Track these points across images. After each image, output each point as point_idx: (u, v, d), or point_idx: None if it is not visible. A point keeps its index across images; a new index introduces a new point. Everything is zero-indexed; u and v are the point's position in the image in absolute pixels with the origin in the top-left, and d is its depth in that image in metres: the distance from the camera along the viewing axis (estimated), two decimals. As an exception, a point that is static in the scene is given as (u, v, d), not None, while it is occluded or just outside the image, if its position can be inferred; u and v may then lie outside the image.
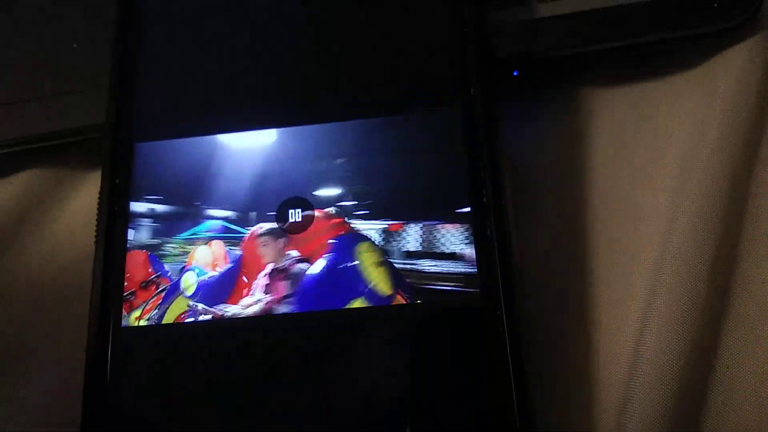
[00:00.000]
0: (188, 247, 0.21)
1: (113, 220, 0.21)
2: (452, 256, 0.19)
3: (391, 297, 0.19)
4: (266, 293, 0.20)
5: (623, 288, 0.22)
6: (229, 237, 0.20)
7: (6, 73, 0.27)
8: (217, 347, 0.19)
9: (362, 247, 0.20)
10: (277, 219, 0.20)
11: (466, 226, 0.19)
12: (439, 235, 0.20)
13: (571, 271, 0.23)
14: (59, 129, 0.26)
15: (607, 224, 0.23)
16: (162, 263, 0.20)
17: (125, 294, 0.20)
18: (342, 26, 0.22)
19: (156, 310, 0.20)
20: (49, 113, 0.26)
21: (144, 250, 0.20)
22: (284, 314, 0.19)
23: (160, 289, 0.20)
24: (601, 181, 0.24)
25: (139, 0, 0.23)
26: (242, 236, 0.20)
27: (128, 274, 0.20)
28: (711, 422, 0.21)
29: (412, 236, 0.20)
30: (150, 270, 0.20)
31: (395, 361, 0.19)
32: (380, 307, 0.19)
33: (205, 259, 0.20)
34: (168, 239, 0.21)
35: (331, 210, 0.20)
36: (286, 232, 0.20)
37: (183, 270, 0.20)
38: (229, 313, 0.20)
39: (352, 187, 0.20)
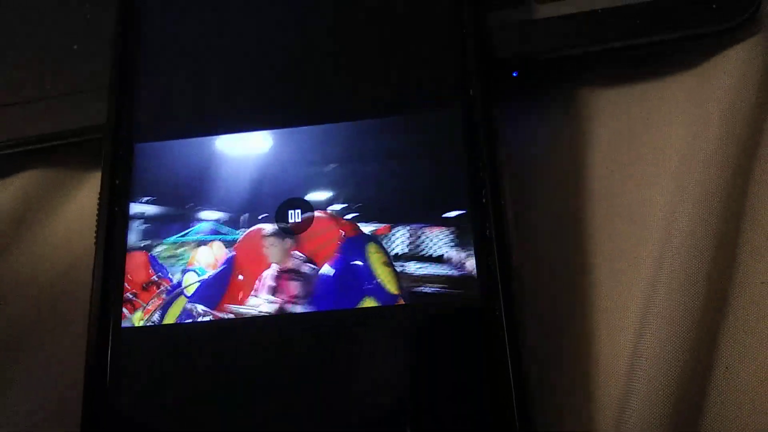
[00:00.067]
0: (184, 247, 0.21)
1: (113, 220, 0.21)
2: (451, 257, 0.19)
3: (396, 297, 0.19)
4: (273, 293, 0.20)
5: (623, 288, 0.22)
6: (220, 238, 0.20)
7: (6, 74, 0.27)
8: (221, 347, 0.19)
9: (371, 248, 0.20)
10: (277, 219, 0.20)
11: (466, 226, 0.19)
12: (438, 237, 0.20)
13: (570, 271, 0.23)
14: (59, 130, 0.26)
15: (607, 224, 0.23)
16: (162, 264, 0.20)
17: (127, 295, 0.20)
18: (341, 27, 0.22)
19: (159, 311, 0.20)
20: (49, 114, 0.26)
21: (144, 251, 0.20)
22: (298, 314, 0.19)
23: (161, 290, 0.20)
24: (600, 182, 0.24)
25: (139, 1, 0.23)
26: (235, 238, 0.20)
27: (129, 276, 0.20)
28: (710, 423, 0.21)
29: (412, 237, 0.20)
30: (150, 271, 0.20)
31: (394, 361, 0.19)
32: (388, 306, 0.19)
33: (206, 259, 0.20)
34: (164, 239, 0.21)
35: (334, 211, 0.20)
36: (292, 233, 0.20)
37: (185, 271, 0.20)
38: (232, 315, 0.20)
39: (352, 188, 0.20)
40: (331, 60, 0.22)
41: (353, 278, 0.19)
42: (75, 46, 0.27)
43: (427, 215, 0.20)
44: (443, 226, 0.20)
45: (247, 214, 0.20)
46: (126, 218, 0.21)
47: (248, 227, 0.20)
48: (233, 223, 0.20)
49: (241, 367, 0.19)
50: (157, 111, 0.22)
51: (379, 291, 0.19)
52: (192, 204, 0.21)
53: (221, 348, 0.19)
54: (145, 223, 0.21)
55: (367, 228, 0.20)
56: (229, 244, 0.20)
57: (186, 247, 0.21)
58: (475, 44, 0.21)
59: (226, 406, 0.19)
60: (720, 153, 0.22)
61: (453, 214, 0.20)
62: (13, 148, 0.26)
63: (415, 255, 0.20)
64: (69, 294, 0.25)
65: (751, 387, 0.21)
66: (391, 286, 0.19)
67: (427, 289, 0.19)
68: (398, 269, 0.19)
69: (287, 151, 0.21)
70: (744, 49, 0.23)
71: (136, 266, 0.20)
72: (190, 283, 0.20)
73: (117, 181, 0.21)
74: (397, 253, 0.20)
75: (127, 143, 0.21)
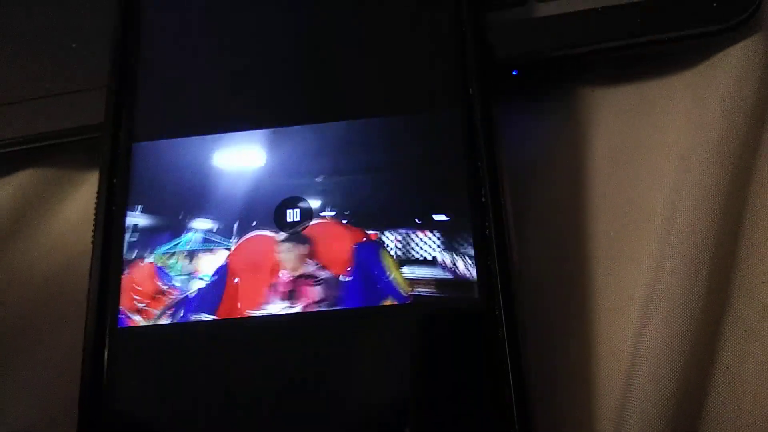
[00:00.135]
0: (181, 255, 0.20)
1: (111, 219, 0.21)
2: (451, 258, 0.19)
3: (406, 299, 0.19)
4: (289, 299, 0.19)
5: (623, 288, 0.22)
6: (212, 246, 0.20)
7: (4, 73, 0.27)
8: (218, 347, 0.19)
9: (384, 253, 0.20)
10: (280, 224, 0.20)
11: (466, 226, 0.19)
12: (438, 237, 0.20)
13: (570, 271, 0.23)
14: (57, 129, 0.26)
15: (607, 224, 0.23)
16: (168, 274, 0.20)
17: (139, 305, 0.20)
18: (340, 26, 0.22)
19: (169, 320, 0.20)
20: (47, 113, 0.26)
21: (151, 262, 0.20)
22: (295, 314, 0.19)
23: (170, 299, 0.20)
24: (600, 181, 0.24)
25: (138, 1, 0.23)
26: (228, 244, 0.20)
27: (138, 287, 0.20)
28: (711, 422, 0.21)
29: (412, 239, 0.20)
30: (157, 282, 0.20)
31: (394, 361, 0.19)
32: (387, 306, 0.19)
33: (212, 266, 0.20)
34: (160, 248, 0.20)
35: (342, 216, 0.20)
36: (305, 238, 0.20)
37: (191, 277, 0.20)
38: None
39: (351, 190, 0.20)
40: (329, 59, 0.22)
41: (373, 283, 0.19)
42: (73, 45, 0.27)
43: (426, 216, 0.20)
44: (443, 226, 0.20)
45: (237, 223, 0.20)
46: (123, 217, 0.21)
47: (245, 233, 0.20)
48: (227, 231, 0.20)
49: (239, 368, 0.19)
50: (156, 110, 0.22)
51: (396, 294, 0.19)
52: (189, 208, 0.21)
53: (219, 348, 0.19)
54: (141, 224, 0.21)
55: (369, 231, 0.20)
56: (226, 249, 0.20)
57: (183, 255, 0.20)
58: (475, 43, 0.21)
59: (225, 405, 0.19)
60: (720, 152, 0.22)
61: (453, 214, 0.20)
62: (11, 147, 0.26)
63: (415, 257, 0.19)
64: (66, 293, 0.25)
65: (751, 387, 0.21)
66: (403, 289, 0.19)
67: (427, 291, 0.19)
68: (399, 270, 0.19)
69: (287, 151, 0.21)
70: (744, 48, 0.23)
71: (143, 278, 0.20)
72: (195, 290, 0.20)
73: (115, 180, 0.21)
74: (399, 256, 0.20)
75: (125, 142, 0.21)
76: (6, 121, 0.26)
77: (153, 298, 0.20)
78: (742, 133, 0.22)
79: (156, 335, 0.20)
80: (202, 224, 0.21)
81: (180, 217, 0.21)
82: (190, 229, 0.20)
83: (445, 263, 0.19)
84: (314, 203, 0.20)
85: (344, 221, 0.20)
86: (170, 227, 0.21)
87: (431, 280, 0.19)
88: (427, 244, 0.20)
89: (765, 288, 0.22)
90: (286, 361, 0.19)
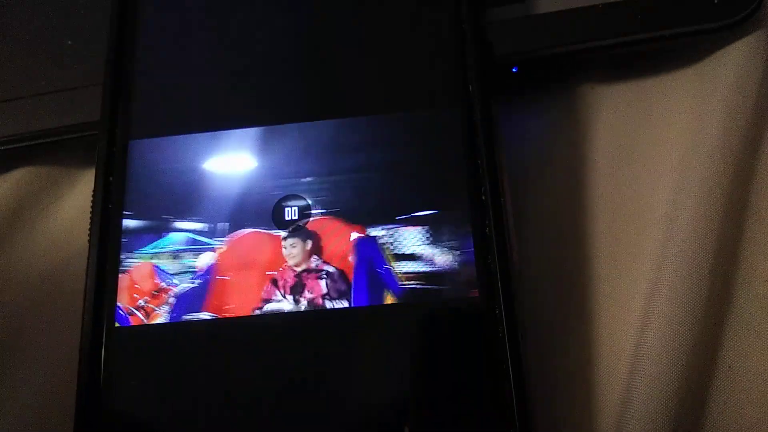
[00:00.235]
0: (174, 254, 0.20)
1: (107, 217, 0.20)
2: (450, 256, 0.19)
3: (408, 293, 0.19)
4: (292, 294, 0.19)
5: (624, 287, 0.22)
6: (210, 244, 0.20)
7: (0, 70, 0.27)
8: (215, 346, 0.19)
9: (383, 247, 0.20)
10: (278, 222, 0.20)
11: (466, 225, 0.19)
12: (437, 234, 0.19)
13: (570, 270, 0.23)
14: (53, 126, 0.25)
15: (608, 223, 0.23)
16: (166, 272, 0.20)
17: (139, 303, 0.20)
18: (339, 24, 0.22)
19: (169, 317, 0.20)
20: (43, 110, 0.26)
21: (148, 260, 0.20)
22: (292, 312, 0.19)
23: (168, 297, 0.20)
24: (601, 179, 0.24)
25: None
26: (222, 241, 0.20)
27: (136, 285, 0.20)
28: (712, 422, 0.21)
29: (411, 235, 0.20)
30: (156, 280, 0.20)
31: (394, 360, 0.18)
32: (386, 306, 0.19)
33: (211, 264, 0.20)
34: (157, 246, 0.20)
35: (341, 214, 0.20)
36: (309, 233, 0.20)
37: (189, 275, 0.20)
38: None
39: (350, 188, 0.20)
40: (328, 56, 0.22)
41: (376, 277, 0.19)
42: (69, 42, 0.27)
43: (426, 214, 0.20)
44: (443, 225, 0.19)
45: (234, 220, 0.20)
46: (120, 215, 0.20)
47: (240, 230, 0.20)
48: (223, 229, 0.20)
49: (237, 366, 0.19)
50: (153, 107, 0.22)
51: (398, 288, 0.19)
52: (183, 206, 0.21)
53: (217, 347, 0.19)
54: (138, 222, 0.21)
55: (369, 229, 0.20)
56: (225, 247, 0.20)
57: (179, 252, 0.20)
58: (475, 41, 0.21)
59: (224, 405, 0.18)
60: (722, 149, 0.22)
61: (452, 212, 0.19)
62: (7, 145, 0.26)
63: (414, 254, 0.19)
64: (63, 291, 0.25)
65: (754, 386, 0.21)
66: (404, 284, 0.19)
67: (427, 289, 0.19)
68: (399, 268, 0.19)
69: (286, 148, 0.21)
70: (745, 45, 0.23)
71: (141, 277, 0.20)
72: (192, 287, 0.20)
73: (111, 178, 0.21)
74: (397, 253, 0.19)
75: (121, 140, 0.21)
76: (1, 119, 0.26)
77: (151, 296, 0.20)
78: (743, 131, 0.22)
79: (154, 334, 0.20)
80: (197, 222, 0.20)
81: (174, 215, 0.20)
82: (183, 227, 0.20)
83: (444, 261, 0.19)
84: (313, 201, 0.20)
85: (343, 218, 0.20)
86: (166, 225, 0.20)
87: (431, 279, 0.19)
88: (427, 243, 0.19)
89: (767, 287, 0.22)
90: (285, 360, 0.19)
